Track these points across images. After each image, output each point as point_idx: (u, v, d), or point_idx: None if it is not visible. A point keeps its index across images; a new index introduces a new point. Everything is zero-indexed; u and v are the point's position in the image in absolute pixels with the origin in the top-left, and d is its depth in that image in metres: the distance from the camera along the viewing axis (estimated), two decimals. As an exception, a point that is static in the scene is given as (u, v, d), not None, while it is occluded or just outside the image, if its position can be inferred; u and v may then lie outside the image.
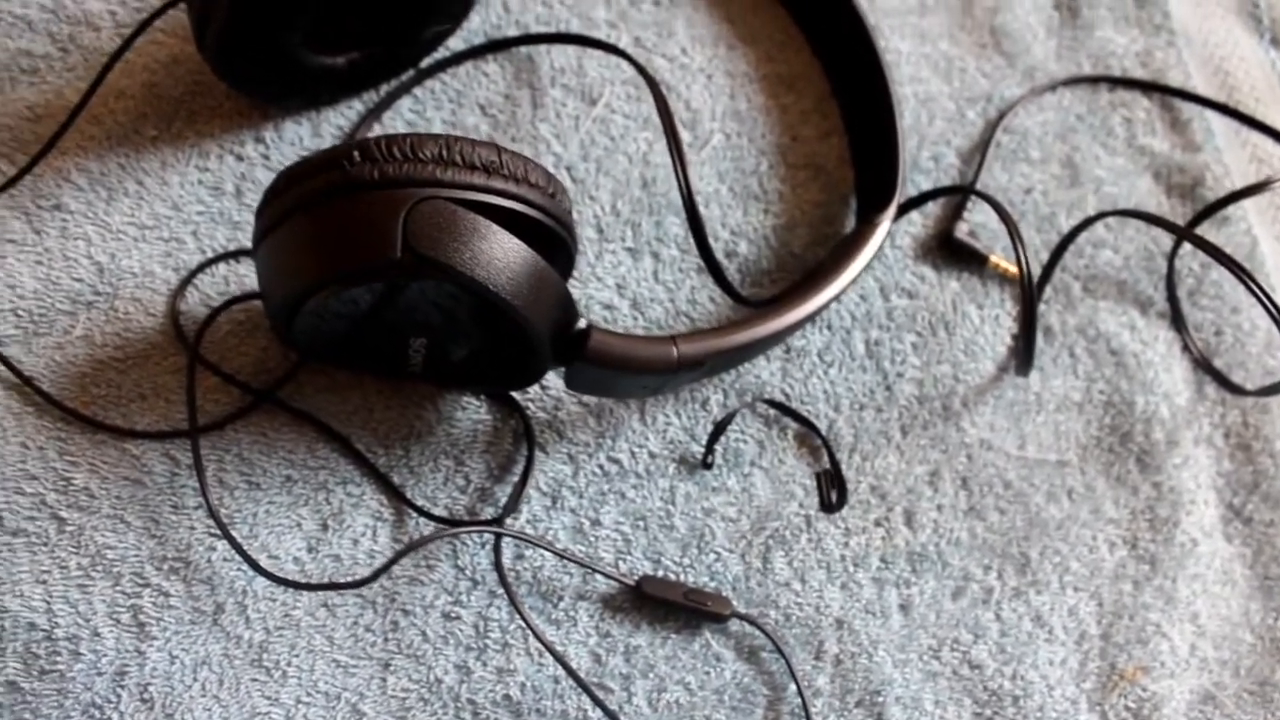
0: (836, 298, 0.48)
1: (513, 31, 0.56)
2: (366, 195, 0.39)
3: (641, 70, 0.51)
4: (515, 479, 0.49)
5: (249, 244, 0.51)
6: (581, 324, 0.44)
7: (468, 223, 0.39)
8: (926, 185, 0.56)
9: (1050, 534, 0.52)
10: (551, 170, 0.52)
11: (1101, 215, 0.53)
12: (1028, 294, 0.49)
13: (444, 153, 0.40)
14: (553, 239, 0.43)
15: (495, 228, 0.40)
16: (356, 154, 0.40)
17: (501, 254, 0.40)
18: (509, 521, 0.48)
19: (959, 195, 0.55)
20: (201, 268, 0.50)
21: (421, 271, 0.39)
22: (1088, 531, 0.53)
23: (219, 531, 0.46)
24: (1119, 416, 0.54)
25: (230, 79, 0.49)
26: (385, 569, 0.44)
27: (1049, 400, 0.54)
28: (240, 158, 0.52)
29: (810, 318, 0.47)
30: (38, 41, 0.53)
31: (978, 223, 0.56)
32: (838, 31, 0.56)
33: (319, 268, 0.40)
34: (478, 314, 0.42)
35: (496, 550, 0.47)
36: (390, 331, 0.44)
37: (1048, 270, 0.54)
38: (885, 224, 0.50)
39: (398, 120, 0.54)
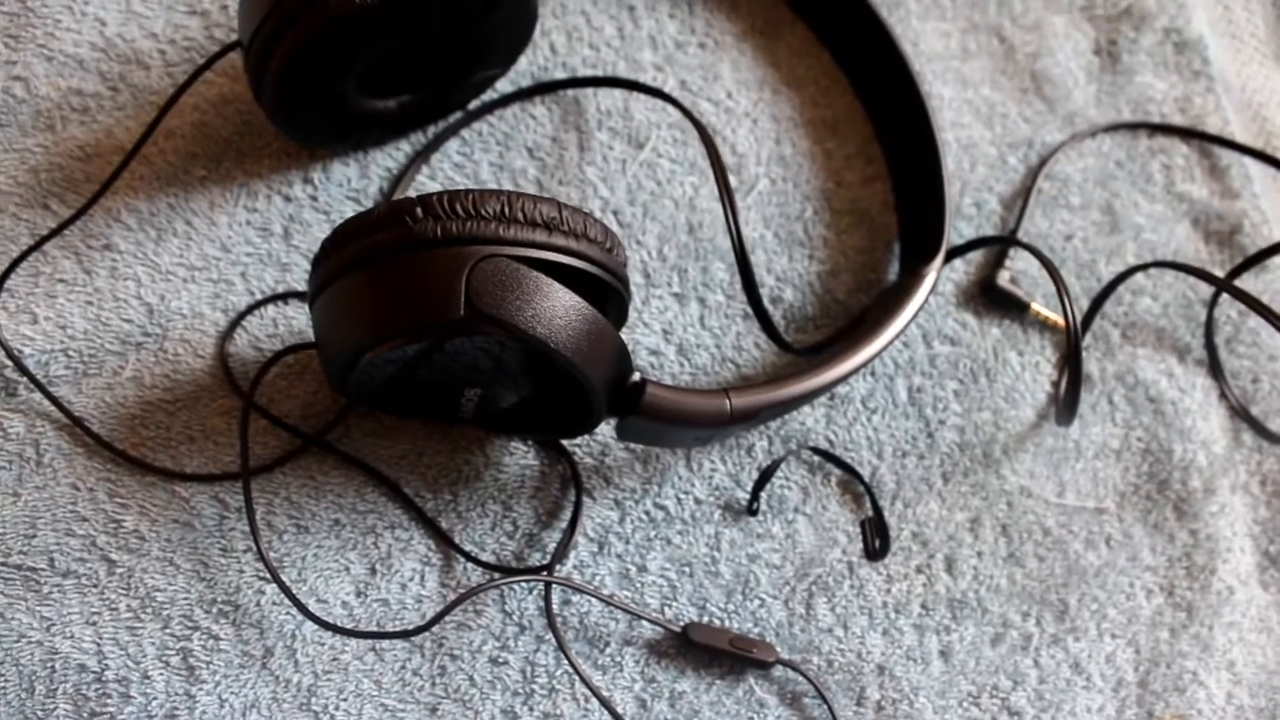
0: (884, 349, 0.48)
1: (560, 74, 0.56)
2: (429, 253, 0.39)
3: (693, 119, 0.51)
4: (562, 524, 0.49)
5: (297, 286, 0.51)
6: (636, 377, 0.44)
7: (529, 281, 0.40)
8: (969, 231, 0.57)
9: (1088, 581, 0.53)
10: (599, 215, 0.53)
11: (1142, 267, 0.53)
12: (1074, 348, 0.49)
13: (505, 209, 0.40)
14: (610, 292, 0.44)
15: (556, 285, 0.40)
16: (419, 210, 0.40)
17: (562, 312, 0.40)
18: (556, 567, 0.48)
19: (1002, 244, 0.55)
20: (250, 310, 0.50)
21: (483, 330, 0.39)
22: (1125, 579, 0.53)
23: (268, 575, 0.47)
24: (1156, 464, 0.55)
25: (284, 125, 0.49)
26: (439, 619, 0.45)
27: (1088, 447, 0.54)
28: (288, 199, 0.52)
29: (858, 369, 0.48)
30: (88, 80, 0.53)
31: (1019, 269, 0.56)
32: (882, 76, 0.56)
33: (381, 324, 0.40)
34: (534, 367, 0.43)
35: (546, 598, 0.47)
36: (444, 381, 0.44)
37: (1087, 319, 0.54)
38: (932, 275, 0.50)
39: (445, 163, 0.54)
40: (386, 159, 0.54)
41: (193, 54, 0.54)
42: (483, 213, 0.40)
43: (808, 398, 0.47)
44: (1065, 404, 0.50)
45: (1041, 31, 0.61)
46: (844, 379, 0.48)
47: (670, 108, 0.55)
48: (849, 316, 0.54)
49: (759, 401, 0.46)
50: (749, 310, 0.53)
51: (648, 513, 0.50)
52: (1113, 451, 0.55)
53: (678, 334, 0.53)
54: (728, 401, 0.45)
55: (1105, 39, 0.62)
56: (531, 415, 0.47)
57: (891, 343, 0.49)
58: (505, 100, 0.55)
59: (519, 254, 0.40)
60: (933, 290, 0.50)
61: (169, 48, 0.54)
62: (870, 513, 0.51)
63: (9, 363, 0.48)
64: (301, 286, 0.51)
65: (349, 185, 0.53)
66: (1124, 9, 0.62)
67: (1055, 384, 0.55)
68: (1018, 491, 0.53)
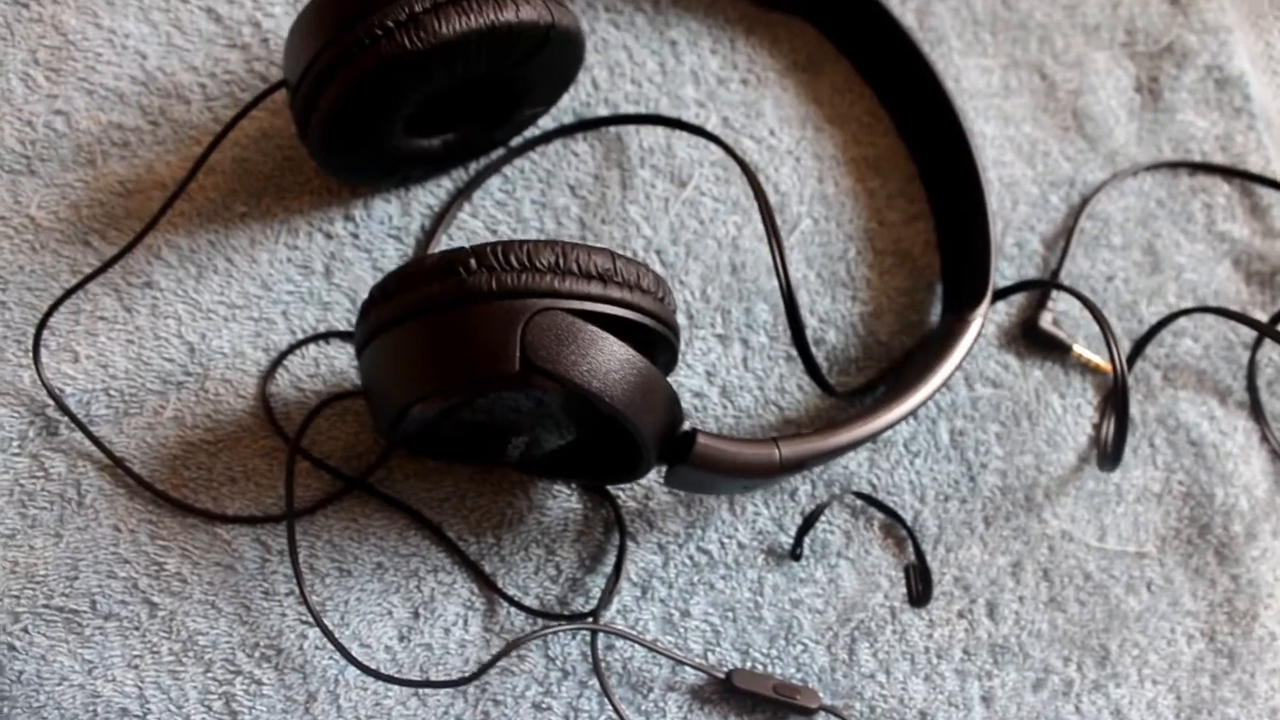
0: (931, 396, 0.48)
1: (602, 109, 0.56)
2: (484, 306, 0.39)
3: (742, 163, 0.51)
4: (606, 568, 0.49)
5: (339, 325, 0.51)
6: (686, 425, 0.44)
7: (585, 335, 0.39)
8: (1010, 272, 0.56)
9: (1129, 626, 0.52)
10: (642, 255, 0.53)
11: (1185, 312, 0.53)
12: (1121, 397, 0.49)
13: (560, 261, 0.40)
14: (661, 341, 0.43)
15: (611, 339, 0.40)
16: (473, 261, 0.40)
17: (617, 365, 0.40)
18: (601, 613, 0.48)
19: (1047, 288, 0.55)
20: (292, 349, 0.50)
21: (538, 384, 0.39)
22: (1166, 624, 0.53)
23: (311, 619, 0.46)
24: (1198, 508, 0.55)
25: (328, 165, 0.49)
26: (485, 670, 0.44)
27: (1129, 491, 0.54)
28: (329, 236, 0.52)
29: (905, 417, 0.47)
30: (128, 114, 0.53)
31: (1061, 310, 0.56)
32: (925, 115, 0.56)
33: (434, 378, 0.40)
34: (585, 417, 0.42)
35: (593, 645, 0.47)
36: (492, 428, 0.44)
37: (1129, 362, 0.54)
38: (978, 321, 0.50)
39: (487, 200, 0.53)
40: (428, 195, 0.53)
41: (233, 88, 0.54)
42: (537, 264, 0.40)
43: (855, 445, 0.47)
44: (1112, 450, 0.50)
45: (1083, 68, 0.61)
46: (891, 426, 0.47)
47: (713, 144, 0.55)
48: (891, 358, 0.54)
49: (808, 451, 0.45)
50: (792, 352, 0.53)
51: (691, 557, 0.50)
52: (1154, 495, 0.54)
53: (721, 376, 0.52)
54: (777, 451, 0.45)
55: (1146, 76, 0.61)
56: (578, 461, 0.47)
57: (938, 390, 0.48)
58: (547, 136, 0.54)
59: (574, 307, 0.40)
60: (978, 336, 0.50)
61: (209, 81, 0.54)
62: (913, 558, 0.51)
63: (50, 402, 0.48)
64: (343, 325, 0.51)
65: (390, 223, 0.53)
66: (1165, 46, 0.62)
67: (1097, 427, 0.55)
68: (1059, 535, 0.53)
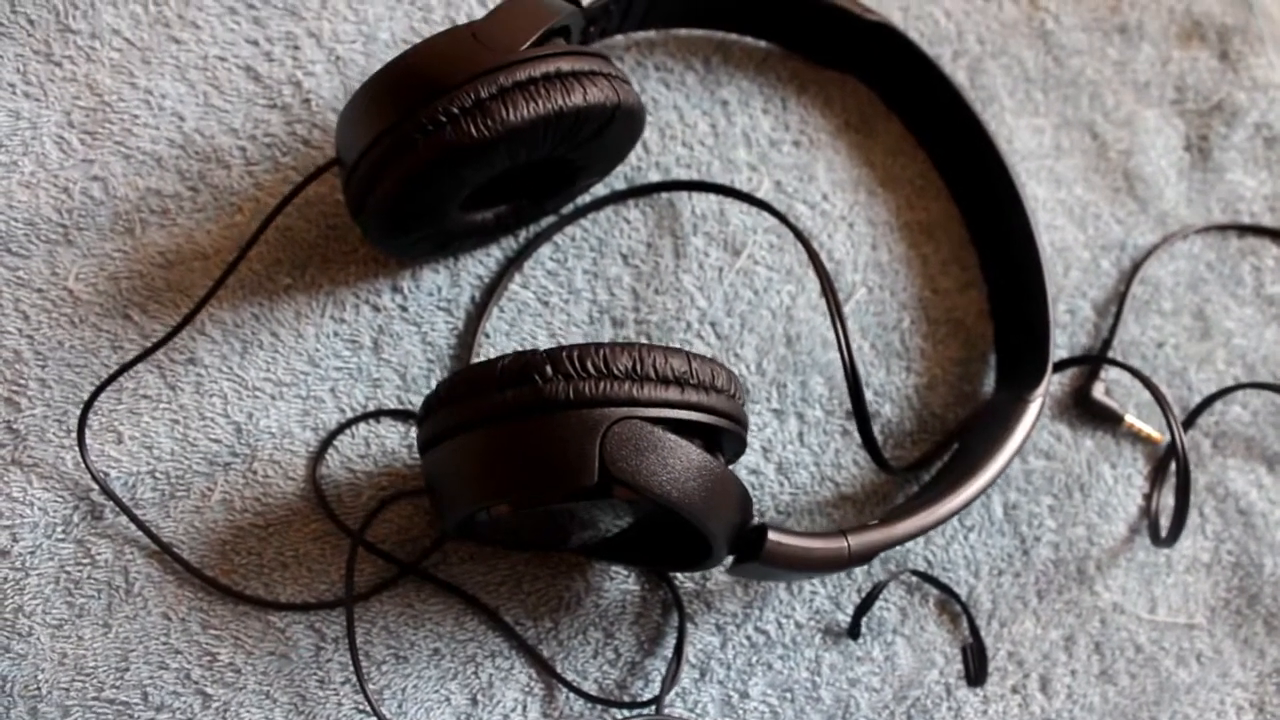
0: (994, 480, 0.48)
1: (653, 173, 0.54)
2: (562, 415, 0.38)
3: (804, 240, 0.50)
4: (664, 651, 0.49)
5: (389, 402, 0.50)
6: (755, 520, 0.43)
7: (663, 444, 0.39)
8: (1063, 339, 0.56)
9: (1180, 699, 0.53)
10: (695, 326, 0.52)
11: (1239, 387, 0.53)
12: (1184, 476, 0.49)
13: (637, 367, 0.39)
14: (734, 438, 0.43)
15: (688, 446, 0.39)
16: (549, 368, 0.39)
17: (695, 472, 0.39)
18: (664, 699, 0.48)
19: (1103, 364, 0.54)
20: (341, 429, 0.49)
21: (617, 494, 0.38)
22: (1216, 695, 0.53)
23: (368, 708, 0.46)
24: (1247, 578, 0.55)
25: (381, 244, 0.47)
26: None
27: (1178, 562, 0.54)
28: (377, 308, 0.51)
29: (969, 503, 0.47)
30: (167, 180, 0.51)
31: (1112, 379, 0.56)
32: (980, 180, 0.55)
33: (510, 487, 0.39)
34: (656, 515, 0.42)
35: (656, 737, 0.47)
36: (557, 522, 0.43)
37: (1173, 432, 0.53)
38: (1038, 402, 0.50)
39: (538, 270, 0.52)
40: (477, 265, 0.52)
41: (274, 152, 0.52)
42: (614, 371, 0.39)
43: (921, 533, 0.46)
44: (1171, 528, 0.50)
45: (1133, 127, 0.60)
46: (955, 514, 0.47)
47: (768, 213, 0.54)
48: (945, 430, 0.53)
49: (876, 542, 0.45)
50: (847, 425, 0.52)
51: (749, 637, 0.49)
52: (1203, 565, 0.54)
53: (777, 451, 0.52)
54: (846, 545, 0.44)
55: (1196, 134, 0.61)
56: (641, 548, 0.47)
57: (1000, 474, 0.48)
58: (599, 203, 0.53)
59: (652, 415, 0.39)
60: (1038, 419, 0.49)
61: (249, 144, 0.52)
62: (969, 634, 0.51)
63: (94, 485, 0.47)
64: (393, 403, 0.50)
65: (439, 294, 0.51)
66: (1215, 104, 0.61)
67: (1147, 497, 0.55)
68: (1110, 608, 0.53)
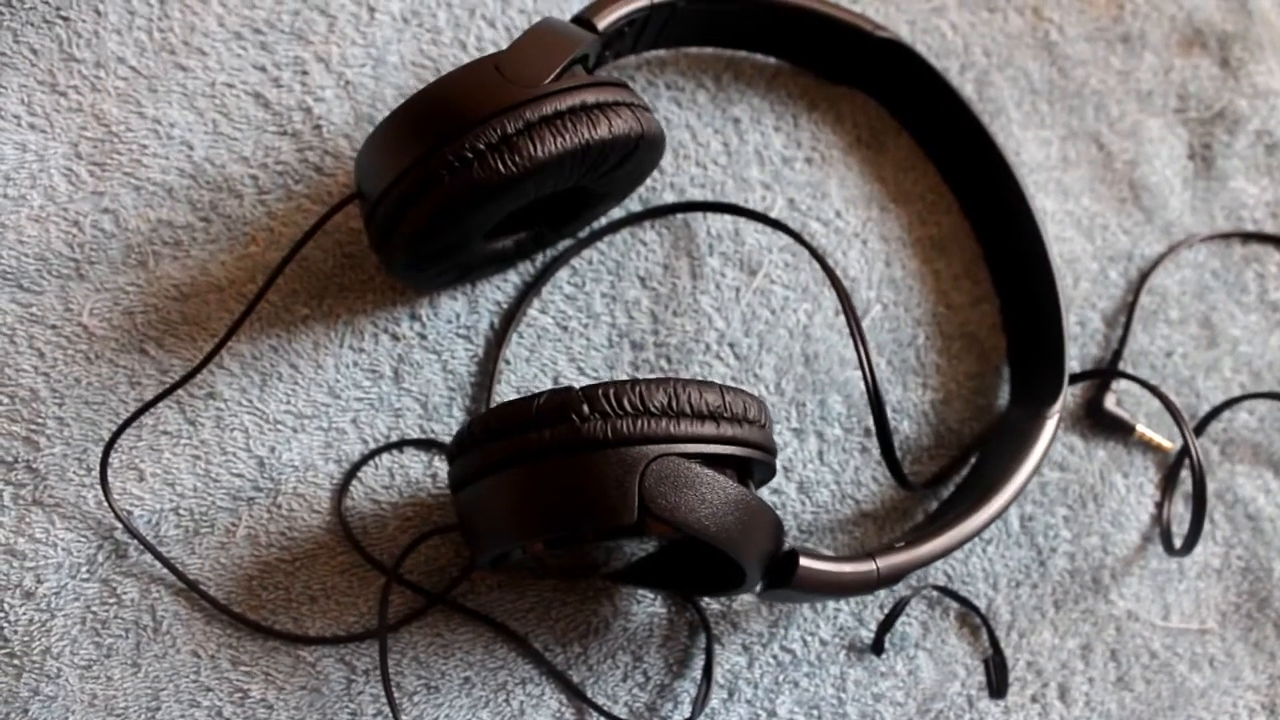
0: (1016, 498, 0.48)
1: (668, 194, 0.54)
2: (600, 454, 0.38)
3: (823, 263, 0.50)
4: (693, 672, 0.49)
5: (411, 432, 0.49)
6: (786, 545, 0.44)
7: (701, 480, 0.39)
8: (1073, 350, 0.56)
9: (1194, 703, 0.54)
10: (714, 348, 0.52)
11: (1246, 397, 0.54)
12: (1199, 488, 0.50)
13: (673, 403, 0.39)
14: (765, 468, 0.43)
15: (724, 481, 0.39)
16: (585, 407, 0.39)
17: (732, 506, 0.40)
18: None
19: (1115, 377, 0.55)
20: (365, 460, 0.49)
21: (656, 530, 0.39)
22: (1229, 699, 0.54)
23: (401, 740, 0.46)
24: (1256, 583, 0.56)
25: (403, 277, 0.47)
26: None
27: (1190, 568, 0.55)
28: (396, 337, 0.51)
29: (992, 521, 0.48)
30: (178, 211, 0.50)
31: (1123, 389, 0.56)
32: (990, 194, 0.55)
33: (549, 525, 0.39)
34: (689, 547, 0.42)
35: (689, 761, 0.47)
36: (589, 553, 0.44)
37: (1188, 446, 0.54)
38: (1055, 418, 0.50)
39: (556, 295, 0.52)
40: (495, 291, 0.52)
41: (286, 180, 0.51)
42: (650, 408, 0.39)
43: (946, 554, 0.47)
44: (1188, 539, 0.51)
45: (1138, 137, 0.61)
46: (979, 532, 0.48)
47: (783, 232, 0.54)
48: (961, 445, 0.54)
49: (904, 564, 0.46)
50: (866, 443, 0.53)
51: (775, 656, 0.50)
52: (1214, 571, 0.55)
53: (798, 471, 0.52)
54: (875, 568, 0.45)
55: (1199, 143, 0.61)
56: (670, 573, 0.47)
57: (1021, 490, 0.49)
58: (615, 226, 0.53)
59: (689, 450, 0.39)
60: (1055, 434, 0.50)
61: (260, 173, 0.51)
62: (989, 647, 0.52)
63: (118, 524, 0.46)
64: (415, 432, 0.50)
65: (458, 321, 0.51)
66: (1217, 112, 0.62)
67: (1159, 505, 0.56)
68: (1125, 616, 0.54)
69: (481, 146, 0.41)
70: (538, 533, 0.40)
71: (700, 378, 0.47)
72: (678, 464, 0.39)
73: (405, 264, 0.45)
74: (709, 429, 0.40)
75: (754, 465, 0.42)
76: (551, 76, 0.43)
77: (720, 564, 0.43)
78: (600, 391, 0.39)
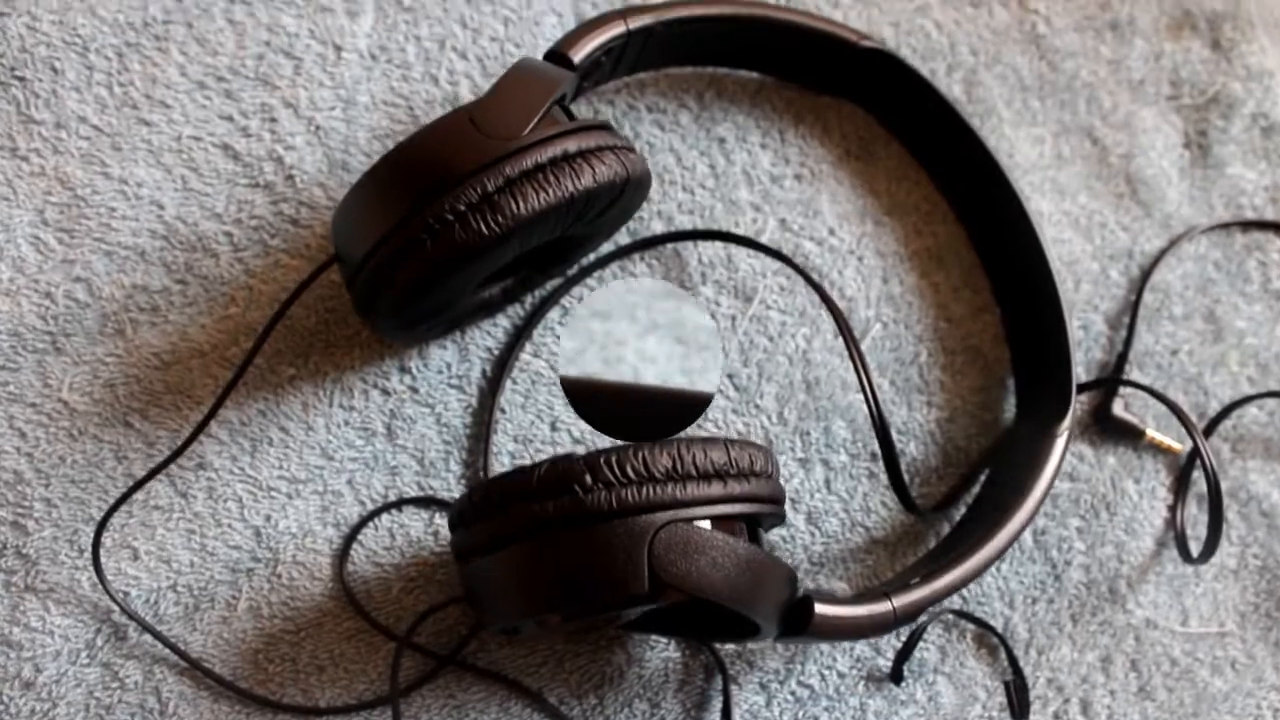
0: (1030, 521, 0.48)
1: (656, 223, 0.53)
2: (607, 526, 0.37)
3: (814, 284, 0.49)
4: (711, 716, 0.48)
5: (409, 490, 0.48)
6: (800, 591, 0.43)
7: (712, 544, 0.38)
8: (1078, 355, 0.55)
9: (1217, 708, 0.53)
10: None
11: (1256, 396, 0.53)
12: (1213, 489, 0.49)
13: (678, 466, 0.38)
14: (776, 517, 0.42)
15: (735, 542, 0.39)
16: (588, 477, 0.38)
17: (744, 567, 0.39)
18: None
19: (1123, 385, 0.54)
20: (364, 523, 0.48)
21: (667, 598, 0.38)
22: (1252, 701, 0.54)
23: (419, 806, 0.45)
24: (1274, 581, 0.55)
25: (391, 337, 0.46)
26: None
27: (1206, 570, 0.55)
28: (386, 392, 0.49)
29: (1008, 547, 0.47)
30: (153, 275, 0.49)
31: (1130, 393, 0.55)
32: (985, 201, 0.54)
33: (558, 600, 0.38)
34: (705, 610, 0.41)
35: (713, 811, 0.46)
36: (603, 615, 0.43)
37: (1200, 453, 0.53)
38: (1064, 436, 0.49)
39: (548, 337, 0.51)
40: (485, 337, 0.51)
41: (261, 234, 0.50)
42: (655, 474, 0.38)
43: (964, 585, 0.46)
44: (1206, 545, 0.50)
45: (1131, 128, 0.59)
46: (995, 560, 0.47)
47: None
48: (969, 462, 0.53)
49: (920, 600, 0.45)
50: (873, 468, 0.52)
51: (793, 693, 0.49)
52: (1230, 572, 0.55)
53: (805, 502, 0.51)
54: (891, 608, 0.44)
55: (1194, 130, 0.60)
56: (685, 626, 0.46)
57: (1034, 514, 0.48)
58: (603, 261, 0.52)
59: (697, 514, 0.38)
60: (1066, 450, 0.49)
61: (235, 229, 0.50)
62: (1009, 668, 0.51)
63: (115, 607, 0.45)
64: (413, 490, 0.48)
65: (450, 371, 0.50)
66: (1211, 96, 0.60)
67: (1172, 508, 0.55)
68: (1144, 624, 0.53)
69: (462, 207, 0.40)
70: (546, 609, 0.39)
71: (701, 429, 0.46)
72: (687, 530, 0.38)
73: (393, 328, 0.44)
74: (716, 489, 0.39)
75: (764, 518, 0.41)
76: (530, 126, 0.41)
77: (734, 616, 0.42)
78: (603, 459, 0.38)
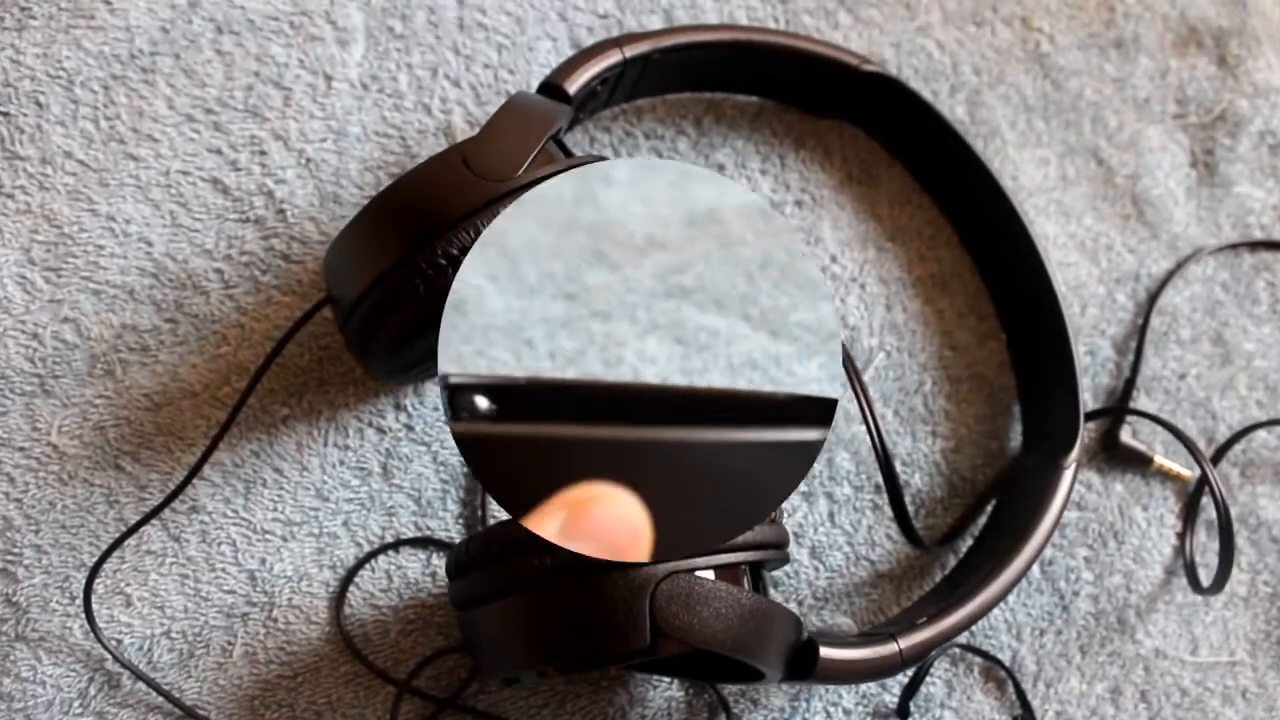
0: (1038, 556, 0.47)
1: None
2: (607, 578, 0.36)
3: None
4: (714, 757, 0.48)
5: (406, 531, 0.48)
6: (804, 635, 0.42)
7: (714, 595, 0.37)
8: (1085, 381, 0.54)
9: (1228, 738, 0.52)
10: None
11: (1266, 424, 0.53)
12: (1224, 520, 0.48)
13: (679, 514, 0.37)
14: (779, 561, 0.41)
15: (738, 592, 0.38)
16: (588, 527, 0.37)
17: (748, 618, 0.38)
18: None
19: (1126, 407, 0.53)
20: (360, 565, 0.47)
21: (669, 650, 0.37)
22: (1262, 730, 0.53)
23: None
24: (1284, 607, 0.54)
25: (381, 378, 0.45)
26: None
27: (1216, 599, 0.54)
28: (382, 431, 0.48)
29: (1018, 582, 0.46)
30: (142, 314, 0.48)
31: (1135, 418, 0.54)
32: (990, 226, 0.53)
33: (558, 653, 0.38)
34: (709, 655, 0.40)
35: None
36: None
37: (1210, 482, 0.53)
38: (1072, 469, 0.48)
39: (546, 371, 0.50)
40: (481, 372, 0.50)
41: (253, 270, 0.49)
42: (655, 522, 0.37)
43: (972, 623, 0.45)
44: (1217, 577, 0.50)
45: (1137, 148, 0.58)
46: (1003, 597, 0.46)
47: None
48: (974, 493, 0.52)
49: (927, 641, 0.44)
50: (877, 500, 0.51)
51: (798, 732, 0.48)
52: (1241, 599, 0.54)
53: (809, 536, 0.50)
54: (898, 649, 0.43)
55: (1201, 149, 0.59)
56: (687, 669, 0.45)
57: (1042, 548, 0.47)
58: (601, 293, 0.51)
59: (699, 565, 0.37)
60: (1074, 483, 0.48)
61: (225, 265, 0.49)
62: (1016, 703, 0.50)
63: (108, 655, 0.45)
64: (410, 531, 0.48)
65: (446, 408, 0.49)
66: (1218, 115, 0.59)
67: (1180, 536, 0.54)
68: (1153, 654, 0.52)
69: (455, 251, 0.39)
70: (545, 661, 0.38)
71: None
72: (689, 581, 0.37)
73: (387, 371, 0.43)
74: (716, 539, 0.38)
75: (768, 561, 0.41)
76: (524, 167, 0.40)
77: (739, 662, 0.41)
78: (604, 510, 0.37)
